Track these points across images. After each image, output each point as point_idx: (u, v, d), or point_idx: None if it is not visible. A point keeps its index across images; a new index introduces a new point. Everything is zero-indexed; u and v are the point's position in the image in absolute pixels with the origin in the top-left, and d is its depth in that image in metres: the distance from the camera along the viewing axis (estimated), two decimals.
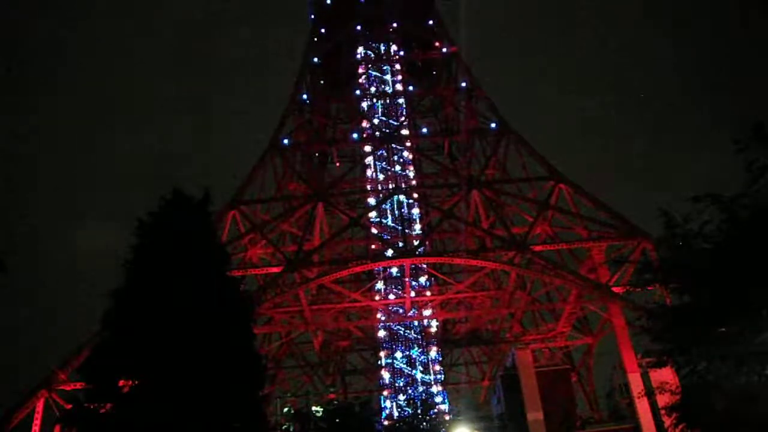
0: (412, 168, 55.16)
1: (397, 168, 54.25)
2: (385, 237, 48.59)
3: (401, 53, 60.44)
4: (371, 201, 51.34)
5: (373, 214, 50.54)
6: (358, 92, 58.29)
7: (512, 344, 47.37)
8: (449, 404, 48.70)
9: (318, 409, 34.55)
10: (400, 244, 45.07)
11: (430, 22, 59.87)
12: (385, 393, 48.13)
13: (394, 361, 49.39)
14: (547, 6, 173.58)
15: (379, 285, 50.06)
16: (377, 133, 54.32)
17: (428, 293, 49.33)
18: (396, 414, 44.65)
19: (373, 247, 51.80)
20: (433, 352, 50.27)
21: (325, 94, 59.52)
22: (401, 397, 47.14)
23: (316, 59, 57.07)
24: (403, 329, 50.76)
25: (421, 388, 47.78)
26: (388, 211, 51.40)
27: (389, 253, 44.86)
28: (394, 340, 50.44)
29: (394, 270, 49.65)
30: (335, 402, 39.29)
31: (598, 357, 49.96)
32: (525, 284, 48.12)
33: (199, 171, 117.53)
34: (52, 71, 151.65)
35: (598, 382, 49.46)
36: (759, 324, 14.11)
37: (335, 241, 50.08)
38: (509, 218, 47.19)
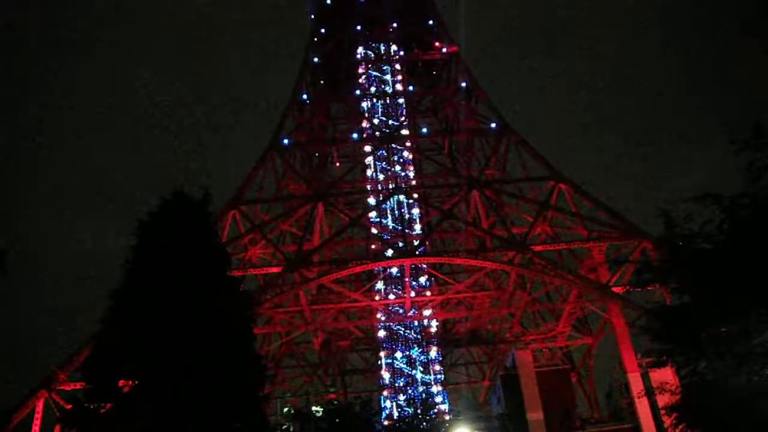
0: (412, 168, 55.15)
1: (397, 168, 54.24)
2: (385, 237, 48.59)
3: (401, 53, 60.42)
4: (371, 201, 51.31)
5: (373, 214, 50.52)
6: (358, 92, 58.27)
7: (512, 344, 47.35)
8: (449, 404, 48.69)
9: (318, 409, 34.59)
10: (400, 244, 45.05)
11: (430, 22, 59.84)
12: (385, 393, 48.10)
13: (394, 361, 49.37)
14: (547, 6, 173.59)
15: (379, 285, 50.03)
16: (377, 133, 54.31)
17: (428, 293, 49.31)
18: (396, 414, 44.63)
19: (373, 247, 51.79)
20: (433, 352, 50.26)
21: (325, 94, 59.50)
22: (401, 397, 47.12)
23: (316, 59, 57.04)
24: (403, 329, 50.73)
25: (421, 388, 47.75)
26: (388, 211, 51.39)
27: (389, 253, 44.85)
28: (394, 340, 50.41)
29: (394, 270, 49.63)
30: (335, 402, 39.36)
31: (598, 357, 50.05)
32: (525, 284, 48.09)
33: (199, 171, 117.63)
34: (53, 71, 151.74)
35: (598, 382, 49.54)
36: (759, 324, 14.11)
37: (335, 241, 50.03)
38: (509, 218, 47.21)
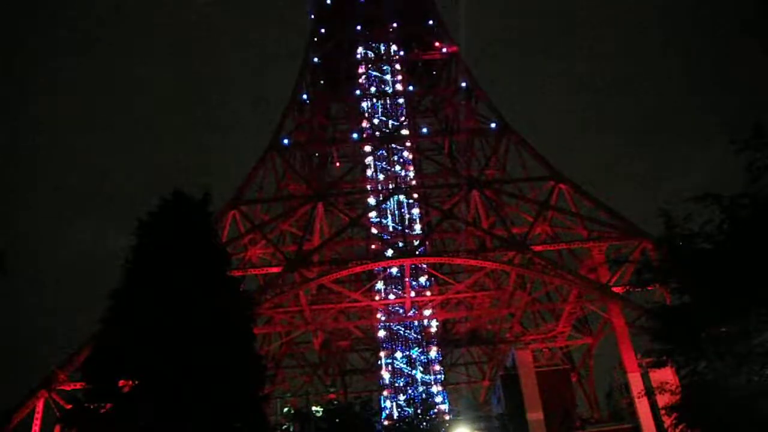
0: (412, 168, 55.16)
1: (397, 168, 54.25)
2: (385, 237, 48.59)
3: (401, 53, 60.43)
4: (371, 201, 51.32)
5: (373, 214, 50.53)
6: (358, 92, 58.28)
7: (512, 344, 47.33)
8: (449, 404, 48.71)
9: (318, 409, 34.61)
10: (400, 244, 45.05)
11: (430, 22, 59.85)
12: (385, 393, 48.10)
13: (394, 361, 49.36)
14: (547, 6, 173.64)
15: (379, 285, 50.03)
16: (377, 133, 54.31)
17: (428, 293, 49.31)
18: (396, 414, 44.64)
19: (373, 247, 51.80)
20: (433, 352, 50.25)
21: (325, 94, 59.50)
22: (401, 397, 47.12)
23: (316, 59, 57.05)
24: (403, 329, 50.73)
25: (421, 388, 47.74)
26: (388, 211, 51.40)
27: (389, 253, 44.86)
28: (394, 340, 50.41)
29: (394, 270, 49.62)
30: (335, 402, 39.39)
31: (598, 357, 50.05)
32: (525, 284, 48.10)
33: (199, 171, 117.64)
34: (53, 71, 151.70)
35: (598, 382, 49.54)
36: (759, 324, 14.11)
37: (335, 241, 50.02)
38: (509, 218, 47.21)
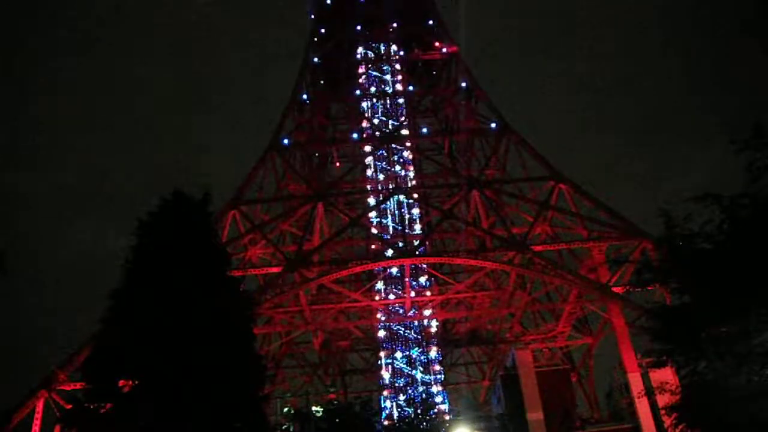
0: (412, 168, 55.16)
1: (397, 168, 54.25)
2: (385, 237, 48.59)
3: (401, 53, 60.43)
4: (371, 201, 51.33)
5: (373, 214, 50.53)
6: (358, 92, 58.28)
7: (512, 344, 47.33)
8: (449, 404, 48.71)
9: (318, 409, 34.60)
10: (400, 244, 45.04)
11: (430, 22, 59.85)
12: (385, 393, 48.10)
13: (394, 361, 49.36)
14: (547, 6, 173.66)
15: (379, 285, 50.04)
16: (377, 133, 54.31)
17: (428, 293, 49.31)
18: (396, 414, 44.64)
19: (373, 247, 51.79)
20: (433, 352, 50.25)
21: (325, 94, 59.49)
22: (401, 397, 47.12)
23: (316, 59, 57.05)
24: (403, 329, 50.73)
25: (421, 388, 47.74)
26: (388, 211, 51.40)
27: (389, 253, 44.85)
28: (394, 340, 50.42)
29: (394, 270, 49.63)
30: (335, 402, 39.38)
31: (598, 357, 50.04)
32: (525, 284, 48.10)
33: (199, 171, 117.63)
34: (53, 71, 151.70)
35: (598, 382, 49.54)
36: (759, 324, 14.11)
37: (335, 241, 50.03)
38: (509, 218, 47.20)
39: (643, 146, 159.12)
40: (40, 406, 37.35)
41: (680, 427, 17.31)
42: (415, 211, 52.28)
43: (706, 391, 15.50)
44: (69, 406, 16.77)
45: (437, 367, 49.70)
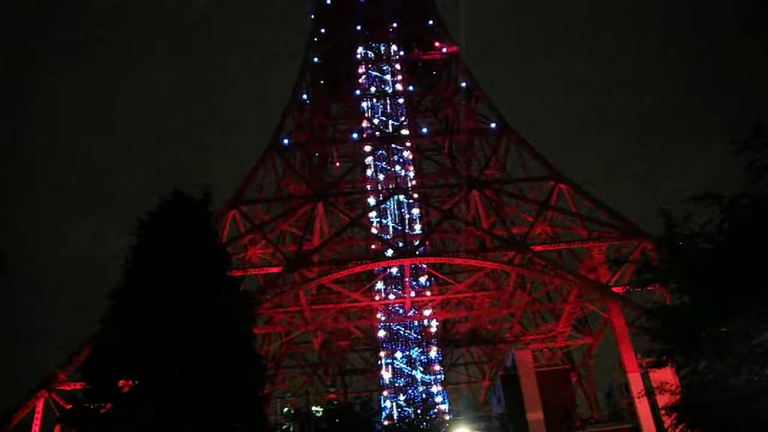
0: (412, 168, 55.15)
1: (397, 168, 54.24)
2: (385, 237, 48.59)
3: (401, 53, 60.42)
4: (371, 201, 51.32)
5: (373, 214, 50.52)
6: (358, 92, 58.27)
7: (512, 344, 47.32)
8: (449, 404, 48.70)
9: (318, 409, 34.59)
10: (400, 244, 45.04)
11: (430, 22, 59.84)
12: (385, 393, 48.10)
13: (394, 361, 49.36)
14: (547, 6, 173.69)
15: (379, 285, 50.03)
16: (377, 133, 54.31)
17: (428, 293, 49.30)
18: (396, 414, 44.65)
19: (373, 247, 51.78)
20: (433, 352, 50.25)
21: (325, 94, 59.49)
22: (401, 397, 47.13)
23: (316, 59, 57.04)
24: (403, 329, 50.74)
25: (421, 388, 47.74)
26: (388, 211, 51.40)
27: (389, 253, 44.85)
28: (394, 340, 50.42)
29: (394, 270, 49.62)
30: (335, 402, 39.38)
31: (598, 357, 50.03)
32: (525, 284, 48.09)
33: (199, 171, 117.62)
34: (53, 71, 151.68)
35: (598, 382, 49.53)
36: (759, 324, 14.10)
37: (335, 241, 50.01)
38: (509, 218, 47.19)
39: (643, 146, 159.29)
40: (40, 406, 37.33)
41: (680, 427, 17.32)
42: (415, 211, 52.28)
43: (706, 391, 15.49)
44: (69, 406, 16.77)
45: (437, 367, 49.70)
